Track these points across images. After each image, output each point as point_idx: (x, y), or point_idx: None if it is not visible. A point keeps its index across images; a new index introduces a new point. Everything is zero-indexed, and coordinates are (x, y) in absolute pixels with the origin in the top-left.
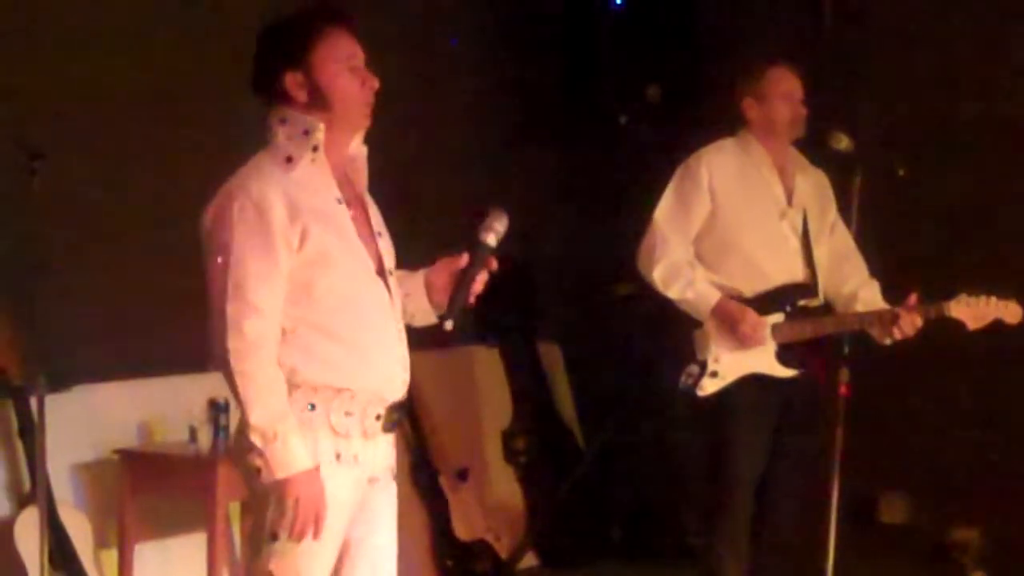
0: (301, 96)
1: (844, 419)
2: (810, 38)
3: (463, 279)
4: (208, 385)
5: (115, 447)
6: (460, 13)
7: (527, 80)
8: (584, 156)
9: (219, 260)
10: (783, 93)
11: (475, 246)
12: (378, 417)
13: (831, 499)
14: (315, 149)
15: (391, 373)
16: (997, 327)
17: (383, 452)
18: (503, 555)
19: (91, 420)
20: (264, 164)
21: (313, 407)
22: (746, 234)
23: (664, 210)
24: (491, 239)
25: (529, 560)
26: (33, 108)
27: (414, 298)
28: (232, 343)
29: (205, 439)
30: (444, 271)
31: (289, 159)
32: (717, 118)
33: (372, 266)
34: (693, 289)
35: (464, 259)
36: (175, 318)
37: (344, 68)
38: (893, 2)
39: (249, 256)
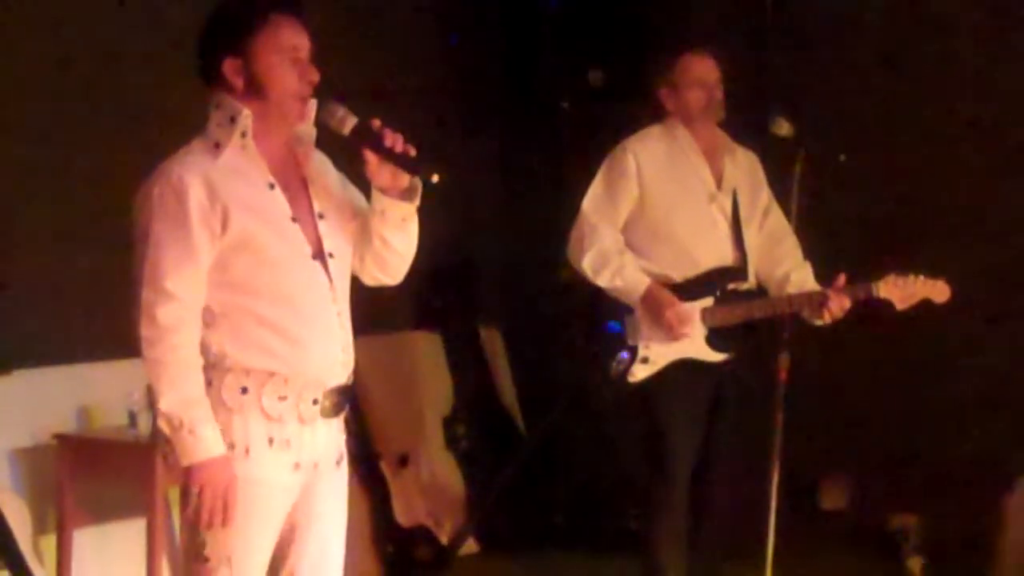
0: (238, 83)
1: (783, 404)
2: (753, 23)
3: (384, 151)
4: None
5: (54, 432)
6: (401, 1)
7: (467, 64)
8: (525, 141)
9: (139, 247)
10: (696, 80)
11: (354, 137)
12: (315, 401)
13: (771, 484)
14: (243, 135)
15: (329, 357)
16: (934, 310)
17: (325, 437)
18: (444, 540)
19: (30, 405)
20: (193, 150)
21: (245, 390)
22: (675, 219)
23: (592, 199)
24: (348, 122)
25: (470, 546)
26: None
27: (388, 213)
28: (144, 330)
29: (144, 424)
30: (380, 175)
31: (217, 145)
32: (656, 107)
33: (308, 250)
34: (622, 276)
35: (371, 156)
36: (115, 302)
37: (284, 59)
38: None
39: (166, 242)
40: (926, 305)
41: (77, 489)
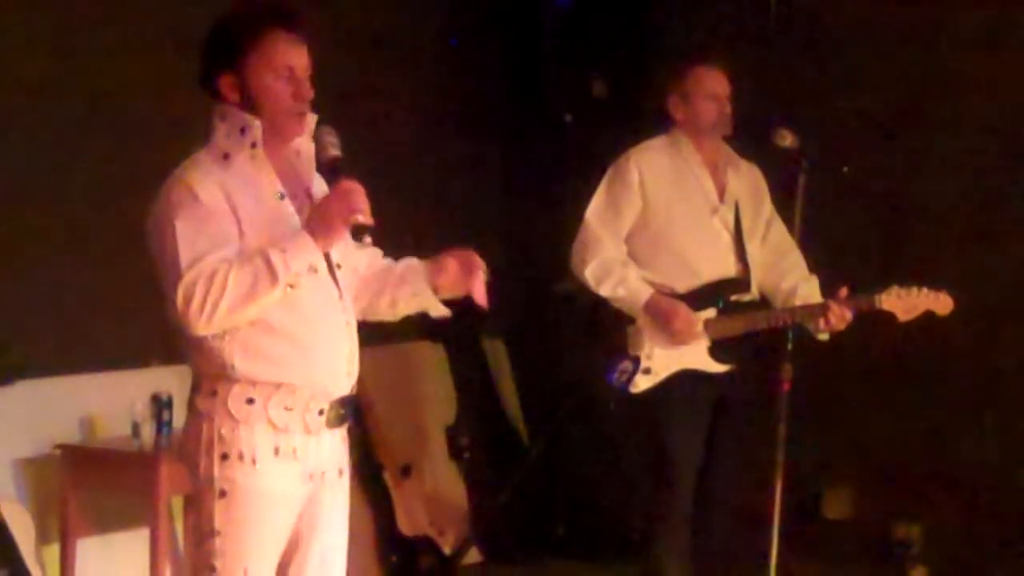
0: (233, 98)
1: (787, 414)
2: (756, 35)
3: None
4: (151, 380)
5: (57, 442)
6: (404, 10)
7: (471, 77)
8: (528, 152)
9: (168, 251)
10: (708, 92)
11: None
12: (321, 412)
13: (774, 494)
14: (253, 146)
15: (335, 368)
16: (936, 321)
17: (329, 448)
18: (447, 550)
19: (33, 415)
20: (201, 160)
21: (251, 401)
22: (678, 231)
23: (595, 209)
24: (332, 151)
25: (473, 556)
26: None
27: (423, 300)
28: (204, 303)
29: (148, 434)
30: (447, 285)
31: (226, 156)
32: (663, 116)
33: None
34: (625, 286)
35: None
36: (118, 313)
37: (279, 76)
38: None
39: (197, 234)
40: (928, 316)
41: (80, 499)
